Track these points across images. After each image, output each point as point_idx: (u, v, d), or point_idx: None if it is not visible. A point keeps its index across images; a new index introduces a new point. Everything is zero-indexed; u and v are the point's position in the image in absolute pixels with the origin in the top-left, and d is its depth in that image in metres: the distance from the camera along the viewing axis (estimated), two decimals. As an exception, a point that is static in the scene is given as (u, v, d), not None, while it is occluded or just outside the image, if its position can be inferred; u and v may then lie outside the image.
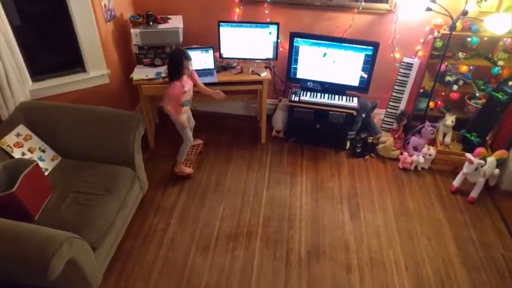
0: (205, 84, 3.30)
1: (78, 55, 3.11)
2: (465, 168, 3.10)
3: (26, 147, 2.64)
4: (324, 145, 3.72)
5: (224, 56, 3.41)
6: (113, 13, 3.27)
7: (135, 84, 3.24)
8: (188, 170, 3.32)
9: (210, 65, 3.36)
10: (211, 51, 3.32)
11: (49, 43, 3.10)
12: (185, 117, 3.12)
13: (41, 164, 2.57)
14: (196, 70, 3.33)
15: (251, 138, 3.82)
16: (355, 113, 3.52)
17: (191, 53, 3.26)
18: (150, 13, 3.31)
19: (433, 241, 2.84)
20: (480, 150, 3.11)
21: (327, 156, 3.63)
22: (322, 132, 3.64)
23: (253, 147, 3.71)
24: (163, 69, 3.35)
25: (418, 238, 2.86)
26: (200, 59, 3.33)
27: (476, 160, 3.03)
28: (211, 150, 3.64)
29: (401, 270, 2.63)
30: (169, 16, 3.46)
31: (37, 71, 3.00)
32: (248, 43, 3.35)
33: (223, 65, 3.44)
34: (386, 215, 3.04)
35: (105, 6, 3.10)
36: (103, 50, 3.16)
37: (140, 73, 3.30)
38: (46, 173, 2.62)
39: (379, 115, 3.87)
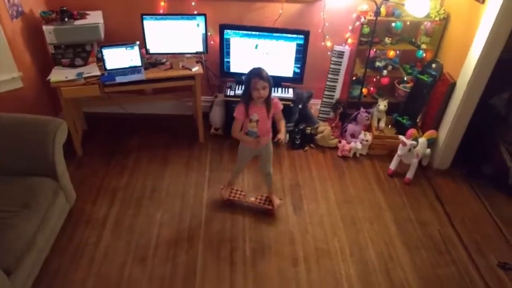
0: (132, 83, 3.09)
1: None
2: (400, 150, 3.18)
3: None
4: (264, 139, 3.64)
5: (151, 51, 3.21)
6: (20, 9, 2.94)
7: (54, 87, 2.94)
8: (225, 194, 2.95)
9: (137, 62, 3.15)
10: (136, 48, 3.10)
11: None
12: (246, 151, 2.74)
13: None
14: (122, 68, 3.11)
15: (188, 137, 3.65)
16: (291, 105, 3.49)
17: (114, 51, 3.06)
18: (64, 8, 3.02)
19: (375, 224, 2.87)
20: (411, 131, 3.20)
21: (268, 150, 3.55)
22: (261, 126, 3.55)
23: (191, 146, 3.55)
24: (85, 69, 3.09)
25: (361, 223, 2.88)
26: (126, 57, 3.10)
27: (409, 142, 3.12)
28: (145, 153, 3.42)
29: (346, 257, 2.62)
30: (87, 12, 3.19)
31: None
32: (175, 36, 3.18)
33: (151, 61, 3.24)
34: (329, 204, 3.03)
35: (9, 1, 2.77)
36: (12, 50, 2.82)
37: (59, 75, 3.00)
38: None
39: (315, 106, 3.87)
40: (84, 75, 3.01)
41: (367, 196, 3.13)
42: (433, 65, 3.35)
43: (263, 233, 2.75)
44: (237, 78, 3.49)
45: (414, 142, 3.12)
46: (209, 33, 3.37)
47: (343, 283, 2.45)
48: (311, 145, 3.65)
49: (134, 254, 2.56)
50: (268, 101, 2.44)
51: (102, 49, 3.02)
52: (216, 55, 3.50)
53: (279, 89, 3.47)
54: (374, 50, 3.47)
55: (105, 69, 3.08)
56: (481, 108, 3.07)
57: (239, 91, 3.41)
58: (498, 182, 3.22)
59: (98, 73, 3.06)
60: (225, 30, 3.30)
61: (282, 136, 2.55)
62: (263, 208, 2.88)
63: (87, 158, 3.34)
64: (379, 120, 3.62)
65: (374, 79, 3.74)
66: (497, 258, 2.64)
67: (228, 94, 3.40)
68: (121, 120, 3.81)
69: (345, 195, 3.12)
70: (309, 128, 3.63)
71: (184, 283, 2.39)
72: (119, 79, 3.03)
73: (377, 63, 3.56)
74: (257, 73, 2.31)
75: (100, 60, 3.13)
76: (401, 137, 3.15)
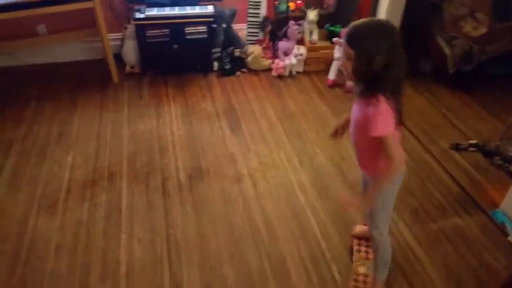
0: (18, 5, 2.50)
1: None
2: (336, 53, 2.93)
3: None
4: (189, 70, 3.21)
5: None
6: None
7: None
8: None
9: (13, -16, 2.53)
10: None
11: None
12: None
13: None
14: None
15: (100, 80, 3.11)
16: (214, 25, 3.08)
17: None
18: None
19: (321, 133, 2.59)
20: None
21: (195, 81, 3.14)
22: (183, 54, 3.12)
23: (104, 88, 3.02)
24: None
25: (306, 134, 2.59)
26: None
27: (345, 42, 2.86)
28: (48, 102, 2.84)
29: (296, 166, 2.32)
30: None
31: None
32: None
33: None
34: (269, 121, 2.70)
35: None
36: None
37: None
38: None
39: (242, 31, 3.49)
40: None
41: (309, 108, 2.85)
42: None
43: (199, 158, 2.37)
44: (148, 0, 3.00)
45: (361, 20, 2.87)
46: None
47: (295, 191, 2.15)
48: (243, 69, 3.28)
49: (40, 203, 2.06)
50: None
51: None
52: (117, -22, 2.97)
53: (197, 7, 3.03)
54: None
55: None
56: (412, 1, 2.89)
57: (150, 12, 2.92)
58: (438, 76, 3.09)
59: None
60: None
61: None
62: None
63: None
64: (311, 33, 3.33)
65: (300, -10, 3.42)
66: (449, 142, 2.50)
67: (137, 17, 2.90)
68: (13, 73, 3.15)
69: (286, 111, 2.81)
70: (238, 50, 3.25)
71: (107, 222, 1.96)
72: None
73: (300, -30, 3.24)
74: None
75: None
76: (337, 39, 2.89)
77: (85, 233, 1.90)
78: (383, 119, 1.21)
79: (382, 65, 1.16)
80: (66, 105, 2.81)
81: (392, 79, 1.20)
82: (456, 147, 2.44)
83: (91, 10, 3.01)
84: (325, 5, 3.48)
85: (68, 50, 3.32)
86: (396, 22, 2.96)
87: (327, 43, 3.33)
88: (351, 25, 1.20)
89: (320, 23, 3.34)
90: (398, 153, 1.29)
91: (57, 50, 3.28)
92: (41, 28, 3.15)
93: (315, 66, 3.30)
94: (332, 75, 3.09)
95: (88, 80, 3.10)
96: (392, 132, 1.23)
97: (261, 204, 2.07)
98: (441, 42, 2.93)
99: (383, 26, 1.19)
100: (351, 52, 1.18)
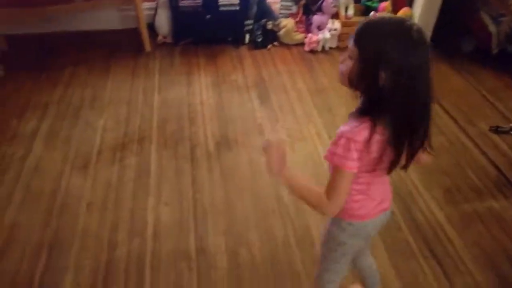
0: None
1: None
2: (373, 27, 2.81)
3: None
4: (221, 42, 3.18)
5: None
6: None
7: None
8: None
9: None
10: None
11: None
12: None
13: None
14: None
15: (133, 49, 3.12)
16: (248, -4, 3.02)
17: None
18: None
19: (351, 108, 2.52)
20: (384, 5, 2.83)
21: (226, 52, 3.11)
22: (215, 25, 3.08)
23: (136, 57, 3.03)
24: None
25: (337, 109, 2.53)
26: None
27: (383, 15, 2.74)
28: (82, 67, 2.88)
29: (325, 140, 2.28)
30: None
31: None
32: None
33: None
34: (299, 94, 2.66)
35: None
36: None
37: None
38: None
39: (275, 4, 3.41)
40: None
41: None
42: None
43: (227, 128, 2.36)
44: (181, -32, 2.97)
45: (388, 15, 2.76)
46: None
47: (323, 165, 2.11)
48: (275, 43, 3.22)
49: (73, 163, 2.11)
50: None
51: None
52: None
53: (231, -24, 2.97)
54: None
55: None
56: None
57: (183, -20, 2.89)
58: (479, 56, 2.94)
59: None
60: None
61: None
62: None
63: (10, 77, 2.77)
64: (346, 8, 3.21)
65: (338, -38, 3.29)
66: (488, 124, 2.38)
67: (171, -15, 2.88)
68: (49, 40, 3.20)
69: (317, 85, 2.75)
70: (270, 23, 3.18)
71: (136, 184, 1.99)
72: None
73: None
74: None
75: None
76: (373, 12, 2.78)
77: (115, 193, 1.94)
78: (346, 147, 0.89)
79: (390, 82, 0.83)
80: (99, 71, 2.85)
81: (400, 107, 0.85)
82: (496, 130, 2.32)
83: (125, -24, 3.02)
84: (363, -22, 3.34)
85: (104, 19, 3.34)
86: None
87: (363, 18, 3.20)
88: (365, 19, 0.92)
89: (357, -3, 3.23)
90: (337, 198, 0.95)
91: (93, 18, 3.31)
92: (77, -6, 3.18)
93: (349, 42, 3.19)
94: (367, 51, 2.99)
95: (121, 48, 3.13)
96: (347, 169, 0.91)
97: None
98: (486, 19, 2.77)
99: (408, 30, 0.83)
100: (355, 51, 0.88)
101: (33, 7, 3.04)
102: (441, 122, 2.40)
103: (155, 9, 3.23)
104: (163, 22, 3.19)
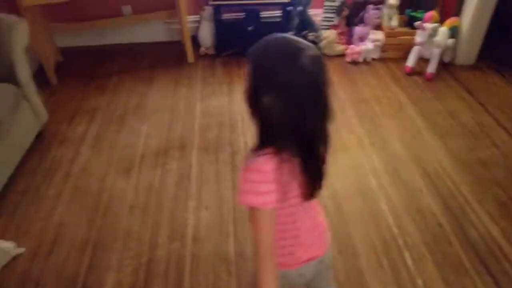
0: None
1: None
2: (418, 37, 2.75)
3: None
4: (261, 53, 3.21)
5: None
6: None
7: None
8: None
9: (106, -37, 2.71)
10: None
11: None
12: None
13: None
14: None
15: (176, 60, 3.22)
16: (289, 8, 3.05)
17: None
18: None
19: (396, 118, 2.45)
20: (431, 13, 2.75)
21: (267, 63, 3.12)
22: (257, 36, 3.10)
23: (179, 67, 3.12)
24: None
25: (380, 118, 2.46)
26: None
27: (429, 25, 2.67)
28: (128, 76, 3.00)
29: (367, 149, 2.22)
30: None
31: None
32: None
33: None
34: (340, 104, 2.61)
35: None
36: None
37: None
38: None
39: (318, 17, 3.42)
40: None
41: (384, 94, 2.70)
42: None
43: (267, 136, 2.35)
44: (225, -18, 3.05)
45: (436, 25, 2.68)
46: None
47: (366, 174, 2.05)
48: (315, 54, 3.21)
49: (118, 166, 2.17)
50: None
51: None
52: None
53: (274, -12, 3.02)
54: None
55: (70, -29, 2.64)
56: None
57: (227, -7, 2.97)
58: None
59: (61, -26, 2.63)
60: None
61: None
62: None
63: (62, 85, 2.92)
64: (390, 19, 3.16)
65: (382, -27, 3.26)
66: (546, 137, 2.23)
67: (215, -3, 2.96)
68: (99, 51, 3.37)
69: (359, 95, 2.70)
70: (312, 34, 3.19)
71: (177, 187, 2.01)
72: (85, -22, 2.60)
73: (384, -49, 3.09)
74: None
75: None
76: (419, 22, 2.71)
77: (156, 196, 1.97)
78: (250, 183, 0.82)
79: (274, 106, 0.77)
80: (144, 79, 2.95)
81: (287, 134, 0.79)
82: (555, 142, 2.17)
83: (172, -9, 3.14)
84: (407, -11, 3.29)
85: (149, 31, 3.49)
86: (491, 6, 2.72)
87: (406, 29, 3.14)
88: (264, 38, 0.85)
89: (401, 8, 3.16)
90: (263, 239, 0.83)
91: (139, 30, 3.46)
92: (126, 8, 3.34)
93: (393, 53, 3.13)
94: (411, 62, 2.91)
95: (165, 59, 3.23)
96: (263, 206, 0.81)
97: (329, 183, 1.98)
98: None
99: (299, 53, 0.77)
100: (248, 69, 0.83)
101: (86, 21, 3.23)
102: (494, 134, 2.27)
103: (199, 22, 3.32)
104: (206, 34, 3.27)
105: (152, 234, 1.79)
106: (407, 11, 3.19)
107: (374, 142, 2.26)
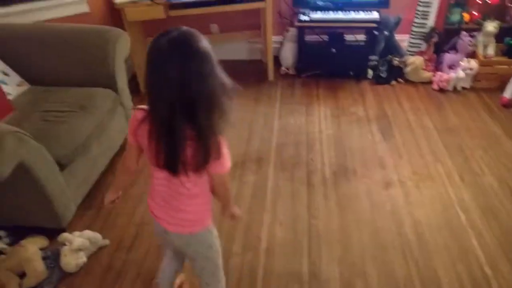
0: (198, 3, 2.85)
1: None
2: (520, 66, 2.53)
3: (-17, 67, 2.19)
4: (342, 75, 3.18)
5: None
6: None
7: (118, 9, 2.79)
8: None
9: (204, -15, 2.90)
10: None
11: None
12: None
13: (3, 87, 2.12)
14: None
15: (257, 78, 3.31)
16: (375, 32, 3.00)
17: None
18: None
19: (490, 152, 2.26)
20: (535, 42, 2.54)
21: (347, 85, 3.09)
22: (339, 59, 3.11)
23: (259, 85, 3.21)
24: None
25: (470, 150, 2.29)
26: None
27: (533, 54, 2.46)
28: (211, 90, 3.14)
29: (456, 182, 2.06)
30: None
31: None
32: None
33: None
34: (426, 132, 2.48)
35: None
36: (78, -29, 2.74)
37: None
38: (8, 97, 2.15)
39: (403, 42, 3.33)
40: (150, -1, 2.83)
41: (476, 124, 2.52)
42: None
43: (346, 158, 2.30)
44: (313, 4, 3.10)
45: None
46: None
47: (454, 207, 1.90)
48: (399, 79, 3.11)
49: (197, 173, 2.25)
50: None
51: (169, -30, 2.82)
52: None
53: (361, 11, 3.00)
54: (479, -42, 2.86)
55: (172, -8, 2.87)
56: None
57: (314, 15, 3.00)
58: None
59: (162, -6, 2.86)
60: None
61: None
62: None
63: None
64: (485, 47, 2.97)
65: (479, 1, 3.09)
66: None
67: (302, 19, 3.01)
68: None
69: (447, 124, 2.55)
70: (397, 59, 3.09)
71: (253, 200, 2.03)
72: (184, -2, 2.81)
73: (483, -24, 2.94)
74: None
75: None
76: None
77: (232, 206, 2.00)
78: (129, 122, 1.09)
79: (147, 80, 0.96)
80: (226, 95, 3.06)
81: (150, 102, 0.97)
82: None
83: (257, 13, 3.27)
84: (508, 17, 3.08)
85: (232, 49, 3.64)
86: None
87: (503, 58, 2.92)
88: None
89: (498, 36, 2.96)
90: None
91: (225, 48, 3.63)
92: (214, 27, 3.53)
93: (487, 83, 2.92)
94: (508, 93, 2.69)
95: (246, 76, 3.34)
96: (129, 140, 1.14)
97: (412, 213, 1.88)
98: None
99: (161, 38, 0.92)
100: None
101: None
102: None
103: (281, 43, 3.40)
104: (288, 55, 3.33)
105: (226, 242, 1.80)
106: (506, 39, 2.97)
107: (463, 173, 2.10)
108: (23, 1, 2.67)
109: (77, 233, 1.80)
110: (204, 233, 1.18)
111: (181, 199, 1.11)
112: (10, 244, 1.79)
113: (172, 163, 1.00)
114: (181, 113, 0.93)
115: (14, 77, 2.31)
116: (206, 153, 1.00)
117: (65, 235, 1.76)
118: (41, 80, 2.36)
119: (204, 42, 0.97)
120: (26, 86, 2.33)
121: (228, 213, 1.28)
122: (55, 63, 2.35)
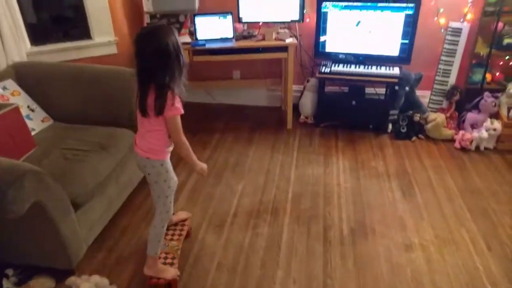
0: (221, 50, 2.92)
1: (84, 19, 2.82)
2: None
3: (12, 102, 2.24)
4: (361, 128, 3.17)
5: (244, 20, 3.03)
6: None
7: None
8: (171, 272, 1.73)
9: (229, 33, 2.99)
10: (229, 17, 2.96)
11: (53, 6, 2.84)
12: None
13: (28, 122, 2.16)
14: (214, 40, 2.96)
15: (275, 125, 3.32)
16: (396, 87, 3.01)
17: (207, 19, 2.97)
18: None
19: (516, 219, 2.16)
20: None
21: (366, 139, 3.06)
22: (359, 112, 3.11)
23: (277, 131, 3.20)
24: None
25: (497, 216, 2.19)
26: (218, 27, 2.97)
27: (561, 120, 2.41)
28: (229, 134, 3.15)
29: (482, 250, 1.95)
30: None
31: (38, 35, 2.71)
32: (270, 5, 2.98)
33: (243, 34, 3.07)
34: (448, 192, 2.40)
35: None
36: (111, 15, 2.86)
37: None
38: (32, 133, 2.18)
39: (424, 98, 3.32)
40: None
41: (502, 188, 2.43)
42: None
43: (364, 214, 2.22)
44: (333, 57, 3.15)
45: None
46: (304, 11, 3.13)
47: (481, 278, 1.78)
48: (420, 135, 3.07)
49: (210, 220, 2.20)
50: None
51: (195, 17, 2.94)
52: (310, 38, 3.23)
53: (382, 67, 3.03)
54: (503, 23, 2.89)
55: (196, 38, 2.97)
56: None
57: (335, 67, 3.04)
58: None
59: (189, 40, 2.96)
60: (323, 3, 3.03)
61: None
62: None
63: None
64: (509, 110, 2.93)
65: (502, 62, 3.10)
66: None
67: (322, 71, 3.05)
68: (207, 108, 3.64)
69: (470, 185, 2.46)
70: (418, 115, 3.07)
71: (266, 253, 1.95)
72: (209, 45, 2.89)
73: (507, 40, 2.95)
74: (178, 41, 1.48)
75: (193, 33, 3.05)
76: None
77: (245, 258, 1.92)
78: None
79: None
80: (243, 140, 3.06)
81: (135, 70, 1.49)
82: None
83: (279, 62, 3.33)
84: (531, 80, 3.06)
85: (253, 96, 3.69)
86: None
87: (529, 122, 2.87)
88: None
89: (523, 98, 2.93)
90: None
91: (245, 94, 3.69)
92: (236, 73, 3.61)
93: (511, 145, 2.85)
94: (534, 157, 2.61)
95: (265, 123, 3.35)
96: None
97: (435, 281, 1.77)
98: None
99: (140, 29, 1.47)
100: None
101: (200, 80, 3.54)
102: None
103: (301, 92, 3.43)
104: (308, 104, 3.35)
105: (236, 298, 1.71)
106: (530, 102, 2.94)
107: (490, 241, 1.99)
108: (58, 41, 2.80)
109: (85, 277, 1.74)
110: (157, 162, 1.60)
111: (147, 133, 1.57)
112: (17, 284, 1.74)
113: (141, 106, 1.49)
114: (147, 75, 1.46)
115: (39, 113, 2.36)
116: (162, 101, 1.45)
117: (73, 279, 1.71)
118: (64, 116, 2.41)
119: (167, 37, 1.43)
120: (49, 122, 2.37)
121: (195, 171, 1.74)
122: (79, 100, 2.41)
